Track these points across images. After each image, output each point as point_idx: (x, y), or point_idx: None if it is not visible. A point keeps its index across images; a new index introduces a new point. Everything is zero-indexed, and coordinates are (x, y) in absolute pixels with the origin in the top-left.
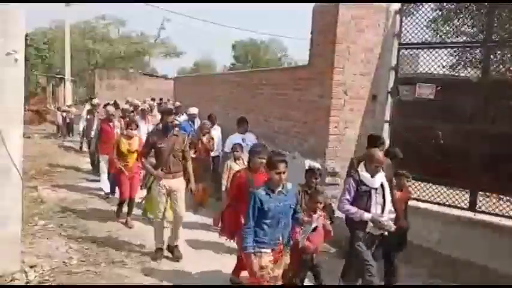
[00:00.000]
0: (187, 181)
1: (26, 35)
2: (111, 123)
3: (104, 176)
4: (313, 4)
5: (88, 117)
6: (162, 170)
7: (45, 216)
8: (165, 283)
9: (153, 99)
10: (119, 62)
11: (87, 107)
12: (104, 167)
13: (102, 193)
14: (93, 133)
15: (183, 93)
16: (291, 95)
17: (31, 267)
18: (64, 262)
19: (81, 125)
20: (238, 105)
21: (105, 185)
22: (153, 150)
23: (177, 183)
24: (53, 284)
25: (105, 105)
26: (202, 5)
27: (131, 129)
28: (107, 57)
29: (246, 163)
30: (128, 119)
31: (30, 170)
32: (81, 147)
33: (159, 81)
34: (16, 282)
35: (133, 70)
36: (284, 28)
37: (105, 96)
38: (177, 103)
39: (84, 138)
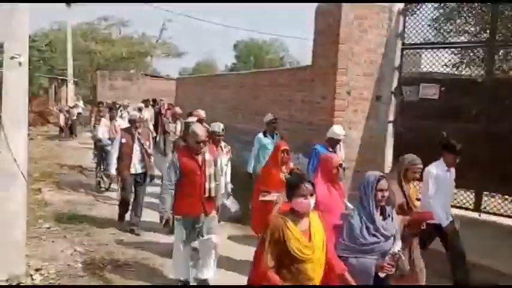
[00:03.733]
0: None
1: (29, 37)
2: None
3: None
4: (315, 4)
5: (123, 140)
6: None
7: (50, 218)
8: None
9: (154, 101)
10: (120, 62)
11: (121, 120)
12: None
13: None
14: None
15: (186, 94)
16: (294, 96)
17: (36, 270)
18: (69, 265)
19: (114, 154)
20: (242, 106)
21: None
22: None
23: None
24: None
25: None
26: (203, 5)
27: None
28: (108, 58)
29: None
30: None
31: (34, 172)
32: (101, 186)
33: (161, 81)
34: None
35: (135, 71)
36: (286, 28)
37: (107, 97)
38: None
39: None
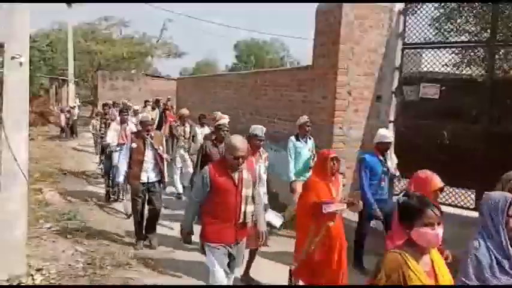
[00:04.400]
0: None
1: (29, 37)
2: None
3: None
4: (316, 4)
5: (134, 145)
6: None
7: (51, 218)
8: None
9: (157, 101)
10: (121, 63)
11: (135, 120)
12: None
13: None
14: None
15: (186, 94)
16: (295, 96)
17: (37, 270)
18: (70, 265)
19: (124, 161)
20: (242, 106)
21: None
22: None
23: None
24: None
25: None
26: (204, 5)
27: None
28: (109, 58)
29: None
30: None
31: (35, 173)
32: (110, 197)
33: (162, 81)
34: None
35: (135, 71)
36: (286, 28)
37: (108, 97)
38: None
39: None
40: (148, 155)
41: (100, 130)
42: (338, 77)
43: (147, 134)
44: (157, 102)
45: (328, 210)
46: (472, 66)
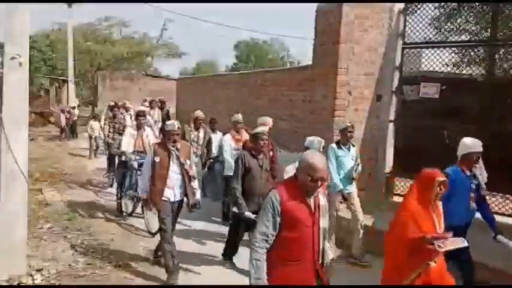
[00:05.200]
0: None
1: (29, 37)
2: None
3: None
4: (316, 4)
5: (157, 159)
6: None
7: (51, 219)
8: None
9: (162, 102)
10: (121, 63)
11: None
12: None
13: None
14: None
15: (186, 94)
16: (295, 96)
17: (37, 270)
18: (70, 265)
19: (146, 175)
20: (243, 106)
21: None
22: None
23: None
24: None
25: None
26: (204, 5)
27: None
28: (109, 58)
29: None
30: None
31: (35, 173)
32: (122, 210)
33: (162, 82)
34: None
35: (135, 71)
36: (286, 28)
37: (109, 98)
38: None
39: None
40: (174, 169)
41: (108, 135)
42: (338, 77)
43: (173, 146)
44: (162, 103)
45: (444, 248)
46: (472, 65)
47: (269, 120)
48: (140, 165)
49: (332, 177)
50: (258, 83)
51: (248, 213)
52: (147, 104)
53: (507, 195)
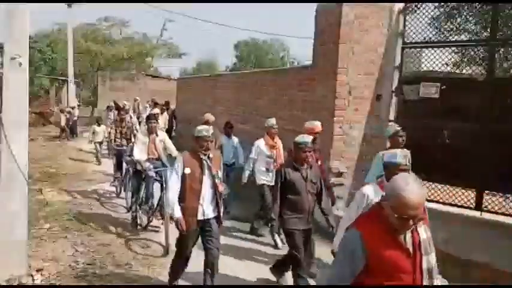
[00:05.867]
0: None
1: (30, 38)
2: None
3: None
4: (316, 4)
5: (187, 170)
6: None
7: (51, 219)
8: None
9: (167, 104)
10: (121, 63)
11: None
12: None
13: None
14: None
15: (187, 94)
16: (295, 96)
17: (37, 271)
18: (70, 265)
19: (175, 189)
20: (243, 106)
21: None
22: None
23: None
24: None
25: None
26: (204, 5)
27: None
28: (109, 58)
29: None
30: None
31: (35, 173)
32: (138, 223)
33: (162, 82)
34: None
35: (136, 71)
36: (286, 27)
37: (110, 98)
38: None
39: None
40: (207, 183)
41: (115, 141)
42: (338, 77)
43: (205, 154)
44: (167, 103)
45: None
46: (472, 65)
47: (317, 126)
48: (156, 173)
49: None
50: (258, 83)
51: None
52: (148, 105)
53: (507, 195)
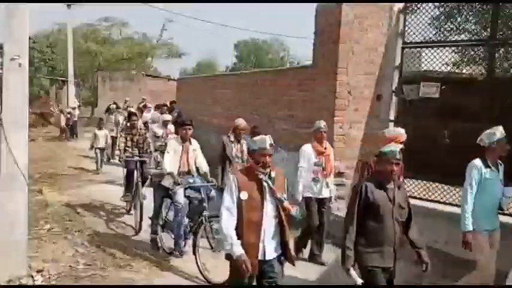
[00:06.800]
0: None
1: (29, 38)
2: None
3: None
4: (316, 4)
5: (244, 195)
6: None
7: (51, 220)
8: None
9: (171, 103)
10: (121, 63)
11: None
12: None
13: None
14: None
15: (187, 94)
16: (295, 96)
17: (38, 271)
18: (71, 266)
19: (230, 222)
20: (243, 106)
21: None
22: None
23: None
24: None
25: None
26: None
27: None
28: (109, 59)
29: None
30: None
31: (35, 174)
32: (159, 245)
33: (162, 82)
34: None
35: (135, 71)
36: (286, 27)
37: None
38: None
39: None
40: (269, 210)
41: (125, 151)
42: (338, 77)
43: (265, 173)
44: (172, 103)
45: None
46: (472, 65)
47: (402, 134)
48: (196, 190)
49: (464, 211)
50: (257, 83)
51: (357, 278)
52: (151, 108)
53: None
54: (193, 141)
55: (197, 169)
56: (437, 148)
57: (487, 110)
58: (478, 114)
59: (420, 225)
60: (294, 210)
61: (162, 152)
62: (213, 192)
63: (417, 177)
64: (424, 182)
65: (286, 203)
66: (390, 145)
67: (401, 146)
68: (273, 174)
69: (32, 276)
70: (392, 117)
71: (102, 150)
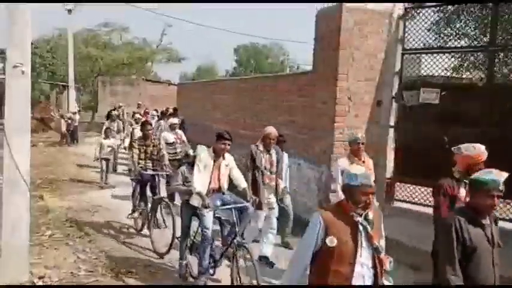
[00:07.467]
0: None
1: (31, 44)
2: None
3: None
4: (316, 5)
5: (332, 241)
6: None
7: (52, 226)
8: None
9: (175, 110)
10: (121, 68)
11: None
12: None
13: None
14: None
15: (187, 99)
16: (295, 102)
17: (39, 278)
18: (72, 272)
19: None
20: (243, 111)
21: None
22: None
23: None
24: None
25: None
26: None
27: None
28: (109, 64)
29: None
30: None
31: (36, 179)
32: (187, 273)
33: (162, 87)
34: None
35: (136, 76)
36: (286, 31)
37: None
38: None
39: None
40: (363, 260)
41: (138, 163)
42: (338, 82)
43: (362, 214)
44: (175, 110)
45: None
46: (471, 70)
47: (484, 152)
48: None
49: None
50: (258, 88)
51: None
52: (154, 112)
53: (507, 200)
54: (227, 155)
55: (234, 186)
56: (436, 153)
57: (487, 115)
58: (478, 120)
59: (420, 230)
60: (389, 264)
61: (190, 164)
62: (250, 210)
63: (416, 182)
64: (424, 187)
65: (383, 255)
66: (492, 172)
67: (506, 174)
68: (370, 216)
69: (34, 283)
70: (392, 123)
71: (107, 160)
